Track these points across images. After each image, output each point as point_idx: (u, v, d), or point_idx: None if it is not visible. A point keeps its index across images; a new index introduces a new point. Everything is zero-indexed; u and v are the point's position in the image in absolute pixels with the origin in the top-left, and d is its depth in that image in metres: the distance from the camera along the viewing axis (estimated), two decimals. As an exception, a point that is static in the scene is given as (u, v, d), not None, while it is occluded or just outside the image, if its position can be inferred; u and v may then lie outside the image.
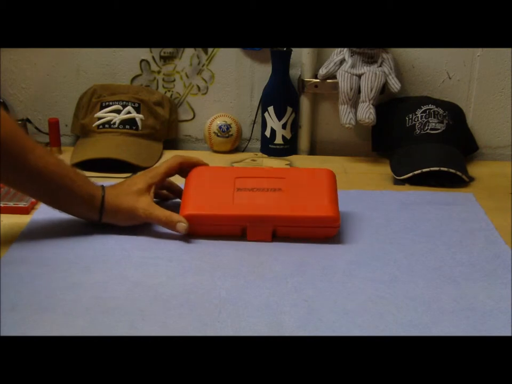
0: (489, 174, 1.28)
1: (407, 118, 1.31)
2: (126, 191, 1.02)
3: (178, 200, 1.09)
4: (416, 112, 1.30)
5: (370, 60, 1.31)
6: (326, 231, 1.01)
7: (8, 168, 0.93)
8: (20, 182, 0.96)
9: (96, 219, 1.01)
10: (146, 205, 1.01)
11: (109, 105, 1.32)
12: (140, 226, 1.03)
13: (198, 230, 1.01)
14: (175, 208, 1.04)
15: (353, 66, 1.31)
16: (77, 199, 0.98)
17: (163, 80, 1.40)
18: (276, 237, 1.01)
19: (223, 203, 1.01)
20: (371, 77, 1.29)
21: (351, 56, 1.31)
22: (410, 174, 1.21)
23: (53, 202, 0.99)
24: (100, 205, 0.99)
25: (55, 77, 1.40)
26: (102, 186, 1.01)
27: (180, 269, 0.93)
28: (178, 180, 1.10)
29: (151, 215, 1.00)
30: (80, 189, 0.98)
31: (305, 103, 1.37)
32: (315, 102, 1.38)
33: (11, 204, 1.08)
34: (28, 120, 1.38)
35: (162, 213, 1.01)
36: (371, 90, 1.29)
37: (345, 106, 1.31)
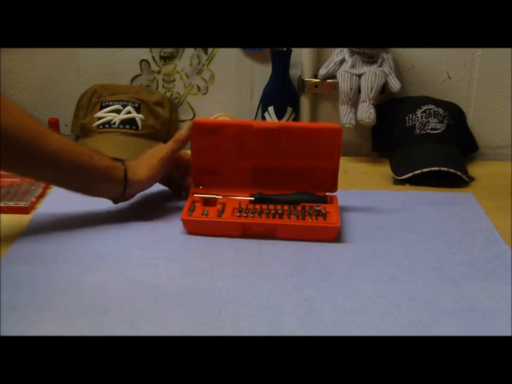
0: (489, 174, 1.28)
1: (407, 118, 1.31)
2: (143, 159, 1.05)
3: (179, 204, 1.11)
4: (416, 112, 1.30)
5: (370, 60, 1.31)
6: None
7: (25, 155, 0.93)
8: (38, 167, 0.96)
9: (120, 191, 1.01)
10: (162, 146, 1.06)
11: (109, 105, 1.32)
12: (140, 225, 1.03)
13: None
14: (175, 210, 1.05)
15: (353, 66, 1.31)
16: (98, 173, 0.99)
17: (163, 80, 1.40)
18: (276, 238, 1.01)
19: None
20: (371, 77, 1.29)
21: (351, 56, 1.31)
22: (411, 174, 1.21)
23: (74, 183, 0.99)
24: (123, 175, 1.00)
25: (55, 77, 1.40)
26: (120, 159, 1.03)
27: (180, 269, 0.93)
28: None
29: (171, 148, 1.05)
30: (100, 163, 0.99)
31: (305, 103, 1.37)
32: (315, 102, 1.38)
33: (11, 204, 1.09)
34: (28, 120, 1.37)
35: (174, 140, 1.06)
36: (371, 90, 1.29)
37: (345, 106, 1.31)
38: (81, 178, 0.98)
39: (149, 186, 1.06)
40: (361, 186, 1.22)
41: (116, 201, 1.04)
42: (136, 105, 1.33)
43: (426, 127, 1.28)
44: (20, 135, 0.92)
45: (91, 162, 0.98)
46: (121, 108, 1.32)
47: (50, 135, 0.95)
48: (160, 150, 1.06)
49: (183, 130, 1.06)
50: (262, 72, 1.37)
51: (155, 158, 1.05)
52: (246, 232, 1.01)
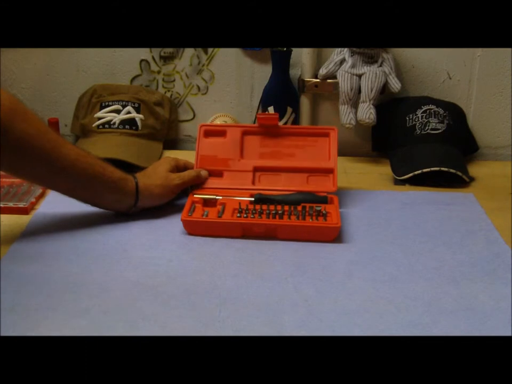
0: (490, 174, 1.28)
1: (407, 118, 1.31)
2: (154, 173, 1.07)
3: (179, 204, 1.11)
4: (417, 112, 1.30)
5: (371, 60, 1.31)
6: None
7: (45, 164, 0.94)
8: (55, 176, 0.97)
9: (131, 203, 1.03)
10: (176, 175, 1.08)
11: (108, 105, 1.32)
12: (140, 225, 1.03)
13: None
14: (175, 210, 1.05)
15: (353, 66, 1.31)
16: (111, 184, 1.00)
17: (163, 80, 1.40)
18: (276, 238, 1.01)
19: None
20: (371, 77, 1.29)
21: (351, 56, 1.31)
22: (411, 174, 1.21)
23: (86, 193, 1.01)
24: (134, 187, 1.02)
25: (55, 77, 1.40)
26: (130, 172, 1.04)
27: (179, 269, 0.93)
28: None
29: (184, 177, 1.08)
30: (112, 174, 1.00)
31: (305, 103, 1.37)
32: (315, 102, 1.38)
33: (11, 204, 1.09)
34: (28, 120, 1.37)
35: (191, 171, 1.11)
36: (371, 90, 1.29)
37: (346, 106, 1.31)
38: (93, 188, 1.00)
39: (160, 203, 1.07)
40: (361, 186, 1.22)
41: (126, 214, 1.05)
42: (136, 105, 1.33)
43: (427, 127, 1.28)
44: (41, 144, 0.93)
45: (104, 172, 0.99)
46: (121, 108, 1.32)
47: (66, 144, 0.97)
48: (178, 176, 1.08)
49: (205, 172, 1.13)
50: (262, 72, 1.37)
51: (170, 181, 1.06)
52: (246, 233, 1.01)
